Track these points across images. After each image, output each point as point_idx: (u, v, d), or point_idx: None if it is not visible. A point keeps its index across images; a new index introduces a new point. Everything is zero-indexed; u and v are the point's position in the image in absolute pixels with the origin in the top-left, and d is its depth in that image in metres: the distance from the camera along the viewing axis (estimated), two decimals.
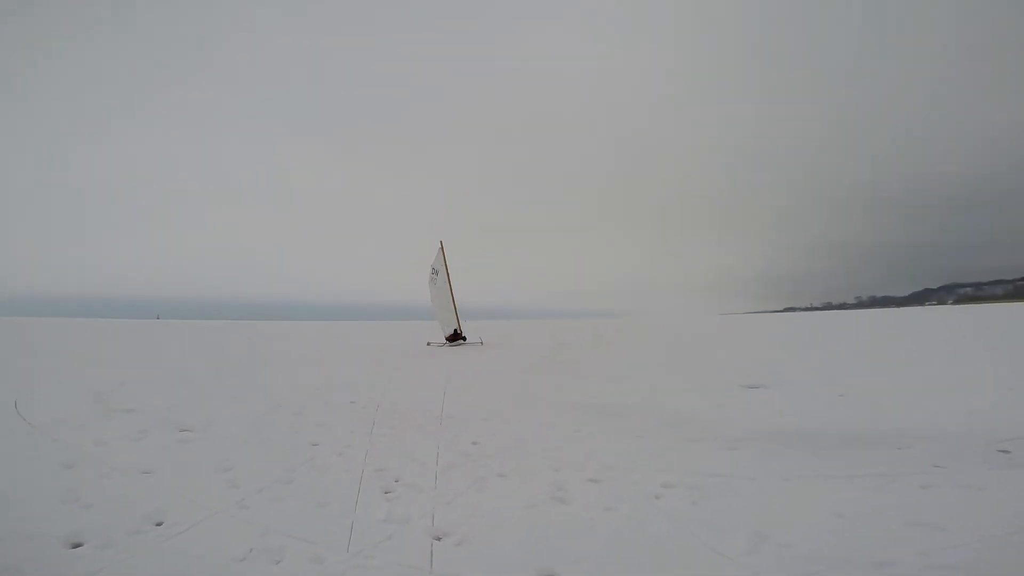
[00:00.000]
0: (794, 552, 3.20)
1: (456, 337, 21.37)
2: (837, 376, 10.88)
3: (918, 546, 3.20)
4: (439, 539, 3.55)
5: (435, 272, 21.53)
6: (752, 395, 8.92)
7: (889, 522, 3.56)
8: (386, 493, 4.41)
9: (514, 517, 3.89)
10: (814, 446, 5.64)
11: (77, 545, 3.36)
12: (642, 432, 6.46)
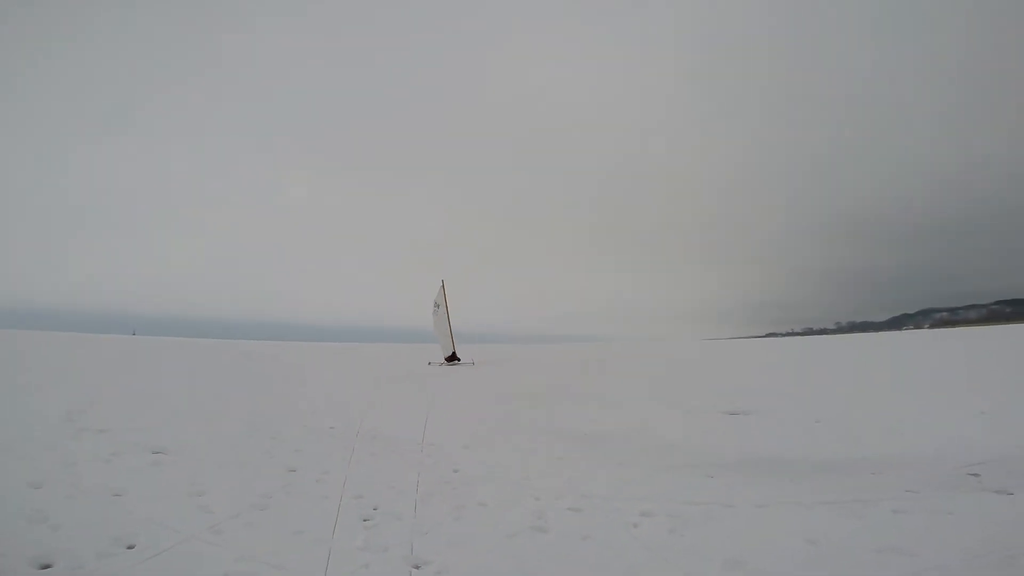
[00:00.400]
0: None
1: (453, 358, 25.51)
2: (815, 402, 11.02)
3: (888, 572, 3.27)
4: (417, 568, 3.52)
5: (437, 306, 26.11)
6: (733, 421, 9.01)
7: (861, 548, 3.62)
8: (364, 521, 4.37)
9: (493, 546, 3.88)
10: (791, 472, 5.71)
11: (46, 567, 3.28)
12: (624, 459, 6.48)
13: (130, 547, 3.62)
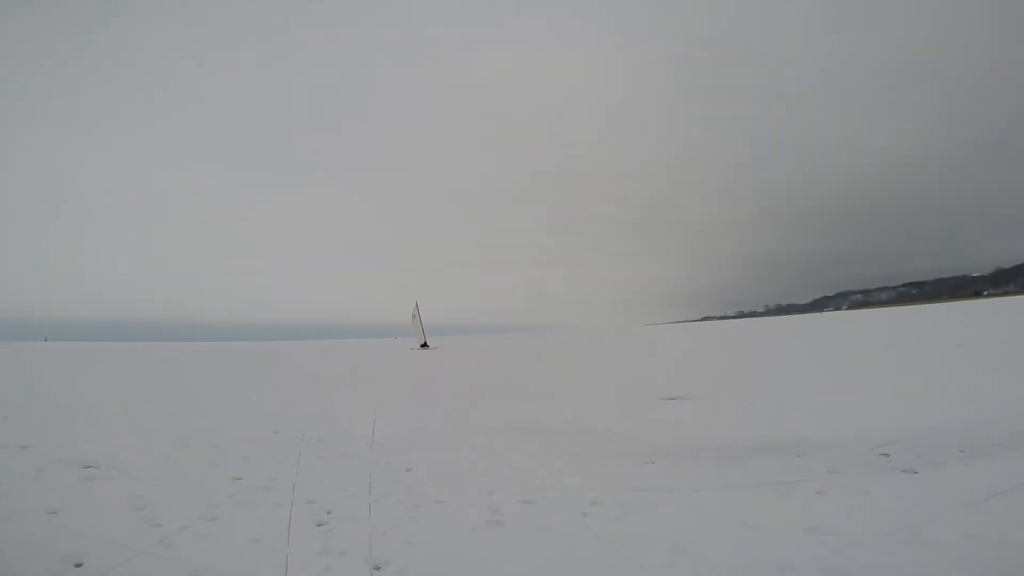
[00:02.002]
0: (707, 562, 3.52)
1: (424, 345, 37.47)
2: (746, 385, 11.75)
3: (816, 550, 3.59)
4: (378, 568, 3.58)
5: (413, 316, 39.59)
6: (670, 407, 9.48)
7: (790, 528, 3.96)
8: (319, 525, 4.36)
9: (453, 543, 3.98)
10: (725, 455, 6.12)
11: None
12: (571, 450, 6.72)
13: (78, 565, 3.49)
